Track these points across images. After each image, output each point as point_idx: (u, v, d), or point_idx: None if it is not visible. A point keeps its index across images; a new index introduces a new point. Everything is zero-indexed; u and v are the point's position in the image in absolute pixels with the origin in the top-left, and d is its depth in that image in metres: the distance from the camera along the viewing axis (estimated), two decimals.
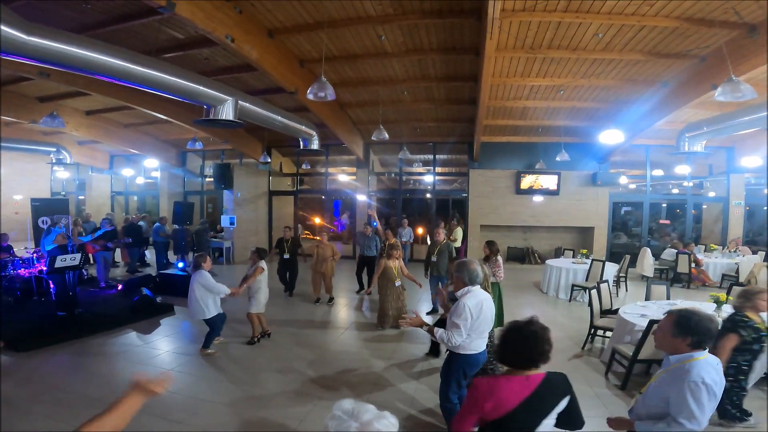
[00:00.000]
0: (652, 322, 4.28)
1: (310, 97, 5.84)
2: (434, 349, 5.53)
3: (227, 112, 6.20)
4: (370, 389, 4.51)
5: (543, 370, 2.04)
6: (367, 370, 5.03)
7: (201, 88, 5.84)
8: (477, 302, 3.14)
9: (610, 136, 9.01)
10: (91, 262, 10.04)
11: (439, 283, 7.38)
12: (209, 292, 5.28)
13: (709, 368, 2.10)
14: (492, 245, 6.53)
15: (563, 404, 2.03)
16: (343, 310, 8.01)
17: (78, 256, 6.63)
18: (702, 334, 2.14)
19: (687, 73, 7.65)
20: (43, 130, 12.68)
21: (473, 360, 3.28)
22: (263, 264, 5.84)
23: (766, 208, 14.70)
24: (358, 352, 5.70)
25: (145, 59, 5.16)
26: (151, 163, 15.49)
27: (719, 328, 3.24)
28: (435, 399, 4.11)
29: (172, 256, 11.89)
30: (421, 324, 3.34)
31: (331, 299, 8.38)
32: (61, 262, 6.35)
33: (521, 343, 2.02)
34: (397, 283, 6.65)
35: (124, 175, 17.21)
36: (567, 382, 2.11)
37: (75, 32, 4.86)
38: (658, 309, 5.39)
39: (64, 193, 17.34)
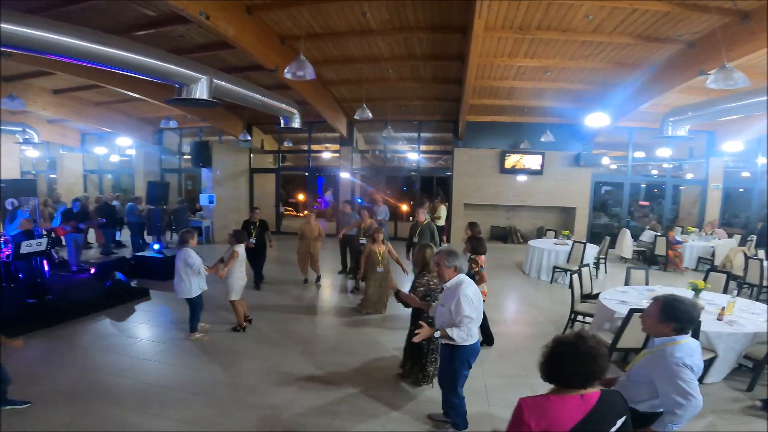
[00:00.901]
0: (632, 311, 4.30)
1: (288, 76, 5.64)
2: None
3: (201, 91, 5.90)
4: (349, 378, 4.45)
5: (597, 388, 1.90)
6: (347, 357, 4.95)
7: (172, 66, 5.51)
8: (475, 290, 3.17)
9: (596, 119, 9.03)
10: (63, 244, 9.66)
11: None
12: (192, 270, 5.17)
13: (690, 351, 2.25)
14: (474, 226, 6.42)
15: (618, 425, 1.89)
16: (327, 292, 7.95)
17: (44, 241, 6.33)
18: (685, 320, 2.27)
19: (675, 58, 7.62)
20: (8, 109, 12.06)
21: (475, 348, 3.28)
22: (240, 248, 5.63)
23: (741, 190, 15.09)
24: (338, 337, 5.62)
25: (110, 38, 4.84)
26: (125, 141, 14.90)
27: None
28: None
29: (148, 238, 11.56)
30: (432, 333, 3.25)
31: (318, 279, 8.29)
32: (26, 247, 6.05)
33: (578, 359, 1.84)
34: (379, 269, 6.47)
35: (97, 153, 16.61)
36: (623, 400, 1.98)
37: (37, 12, 4.53)
38: (637, 295, 5.45)
39: (34, 172, 16.68)
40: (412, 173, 15.28)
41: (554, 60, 8.50)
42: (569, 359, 1.85)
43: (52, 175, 16.89)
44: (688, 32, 6.74)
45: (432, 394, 4.08)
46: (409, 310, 4.33)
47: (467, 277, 3.25)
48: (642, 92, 8.89)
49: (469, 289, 3.14)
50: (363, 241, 7.76)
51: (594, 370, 1.85)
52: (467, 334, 3.09)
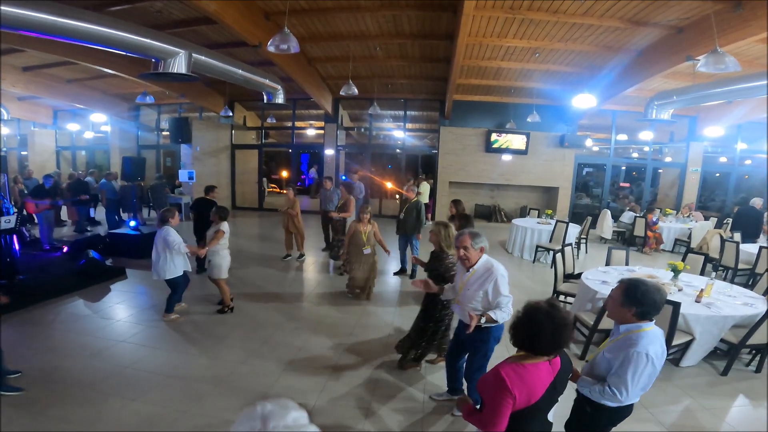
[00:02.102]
0: None
1: (272, 49, 5.44)
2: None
3: (179, 66, 5.67)
4: (337, 358, 4.40)
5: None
6: (333, 338, 4.89)
7: (147, 41, 5.28)
8: (503, 269, 3.10)
9: (583, 100, 9.07)
10: (35, 222, 9.29)
11: (408, 243, 7.32)
12: (172, 250, 5.03)
13: (654, 340, 2.15)
14: (458, 204, 6.36)
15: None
16: (310, 269, 7.88)
17: (12, 218, 6.02)
18: (647, 305, 2.16)
19: (662, 43, 7.65)
20: None
21: (503, 326, 3.16)
22: (224, 226, 5.42)
23: (717, 175, 15.44)
24: (321, 318, 5.55)
25: (82, 13, 4.60)
26: (99, 117, 14.32)
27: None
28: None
29: (124, 215, 11.22)
30: (479, 320, 3.04)
31: (301, 256, 8.26)
32: None
33: (554, 330, 1.86)
34: (366, 250, 6.11)
35: (70, 130, 16.07)
36: (569, 360, 2.06)
37: None
38: (618, 275, 5.47)
39: (5, 149, 15.93)
40: (398, 151, 15.17)
41: (543, 42, 8.45)
42: (545, 329, 1.87)
43: (23, 152, 16.27)
44: (678, 17, 6.75)
45: (429, 376, 4.12)
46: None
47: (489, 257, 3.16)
48: (628, 76, 8.94)
49: (501, 268, 3.07)
50: (336, 216, 7.83)
51: (565, 339, 1.91)
52: (508, 312, 3.01)
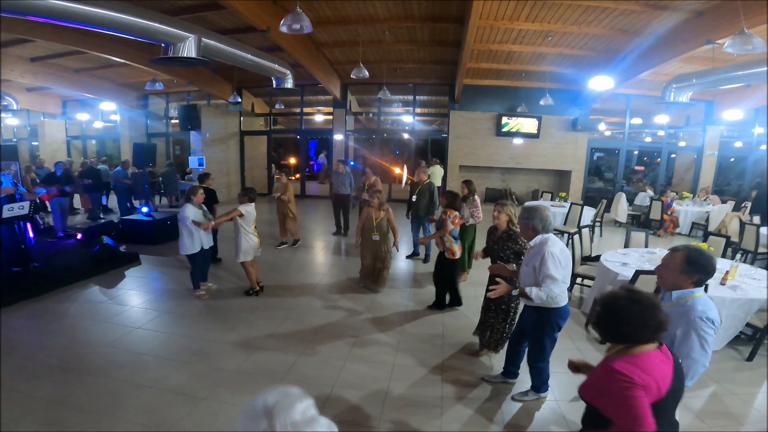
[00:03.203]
0: (638, 273, 4.23)
1: (284, 29, 5.33)
2: (439, 303, 5.27)
3: (189, 50, 5.62)
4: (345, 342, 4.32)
5: None
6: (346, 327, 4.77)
7: (157, 25, 5.24)
8: (562, 248, 3.00)
9: (600, 82, 8.86)
10: (48, 210, 9.34)
11: (420, 226, 7.22)
12: (184, 226, 5.06)
13: (710, 304, 2.14)
14: (470, 184, 6.22)
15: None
16: (320, 255, 7.83)
17: (26, 204, 6.02)
18: (708, 272, 2.15)
19: (681, 27, 7.43)
20: None
21: (565, 311, 3.11)
22: (242, 207, 5.23)
23: (732, 159, 15.15)
24: (331, 305, 5.44)
25: None
26: (108, 106, 14.29)
27: None
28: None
29: (135, 202, 11.25)
30: (509, 289, 3.06)
31: (296, 242, 8.11)
32: (8, 211, 5.75)
33: (642, 312, 1.69)
34: (375, 237, 5.74)
35: (80, 119, 16.14)
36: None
37: None
38: (639, 257, 5.41)
39: (15, 140, 16.07)
40: (406, 136, 15.01)
41: (556, 25, 8.26)
42: (633, 313, 1.69)
43: (34, 143, 16.36)
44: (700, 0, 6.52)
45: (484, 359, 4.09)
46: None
47: (551, 235, 3.07)
48: (644, 59, 8.71)
49: (555, 247, 2.95)
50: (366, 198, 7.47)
51: (660, 320, 1.70)
52: (547, 296, 2.88)
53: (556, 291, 2.89)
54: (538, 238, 3.04)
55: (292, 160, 20.92)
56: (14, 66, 10.78)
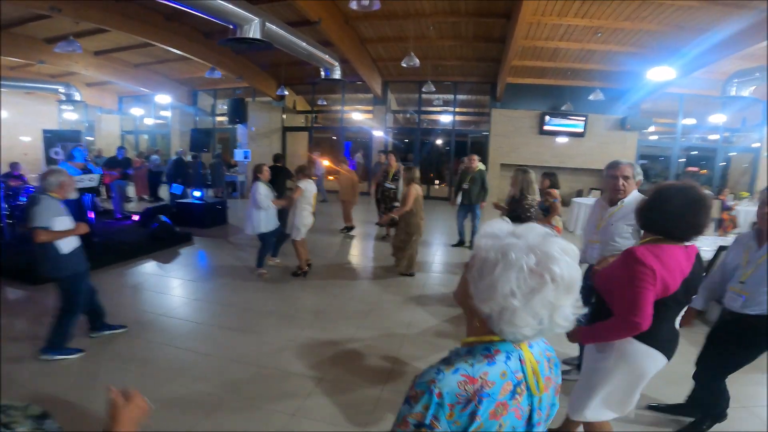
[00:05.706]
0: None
1: (353, 6, 5.66)
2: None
3: (254, 32, 5.95)
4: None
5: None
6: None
7: (229, 5, 5.58)
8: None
9: (659, 73, 8.32)
10: (108, 195, 9.86)
11: (469, 213, 7.14)
12: (259, 206, 5.20)
13: None
14: (552, 176, 5.11)
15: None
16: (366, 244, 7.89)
17: (96, 177, 6.39)
18: None
19: (741, 23, 7.02)
20: (50, 72, 12.66)
21: None
22: (303, 184, 5.30)
23: None
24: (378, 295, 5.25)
25: None
26: (163, 99, 14.99)
27: None
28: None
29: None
30: (608, 262, 2.86)
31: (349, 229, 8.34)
32: (79, 182, 6.06)
33: (685, 205, 1.64)
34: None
35: (134, 114, 17.03)
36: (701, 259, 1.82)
37: None
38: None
39: (86, 123, 17.19)
40: (446, 134, 14.95)
41: (607, 20, 8.04)
42: (678, 207, 1.65)
43: (89, 138, 17.36)
44: None
45: None
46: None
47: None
48: (701, 56, 8.22)
49: None
50: (389, 185, 7.65)
51: (701, 221, 1.66)
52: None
53: None
54: (635, 196, 2.83)
55: (326, 163, 21.01)
56: (79, 59, 11.27)
